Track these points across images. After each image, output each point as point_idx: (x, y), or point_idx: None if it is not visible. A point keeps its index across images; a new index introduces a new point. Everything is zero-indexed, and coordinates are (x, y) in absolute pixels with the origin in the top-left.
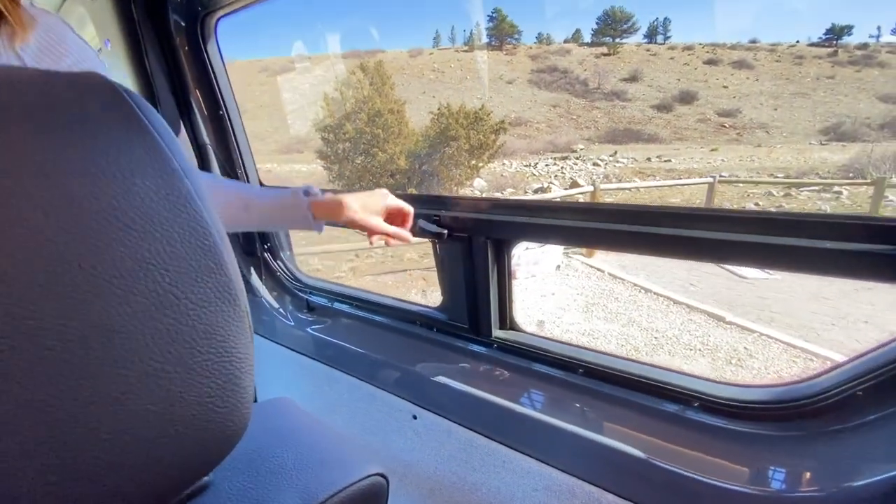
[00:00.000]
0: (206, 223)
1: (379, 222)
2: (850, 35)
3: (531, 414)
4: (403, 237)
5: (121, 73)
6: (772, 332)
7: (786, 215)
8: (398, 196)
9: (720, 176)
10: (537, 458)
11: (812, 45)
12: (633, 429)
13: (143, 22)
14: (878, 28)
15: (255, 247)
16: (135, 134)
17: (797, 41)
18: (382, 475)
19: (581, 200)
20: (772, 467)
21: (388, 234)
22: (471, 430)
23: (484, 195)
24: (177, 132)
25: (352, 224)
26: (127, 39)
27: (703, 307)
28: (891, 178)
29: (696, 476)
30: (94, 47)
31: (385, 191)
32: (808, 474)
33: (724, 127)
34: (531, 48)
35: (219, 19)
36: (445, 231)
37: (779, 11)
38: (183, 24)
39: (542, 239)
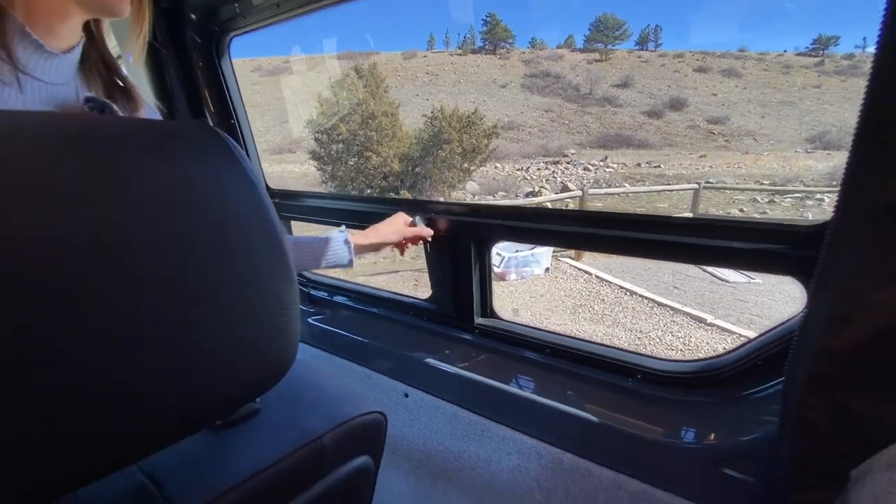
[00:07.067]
0: (272, 219)
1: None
2: (836, 46)
3: (507, 389)
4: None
5: (142, 87)
6: (750, 334)
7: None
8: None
9: (707, 182)
10: (512, 426)
11: (799, 54)
12: (588, 398)
13: (164, 39)
14: (864, 39)
15: None
16: (227, 160)
17: (784, 51)
18: (382, 413)
19: (570, 205)
20: (686, 426)
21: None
22: (455, 404)
23: (476, 198)
24: None
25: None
26: (148, 54)
27: (686, 309)
28: None
29: (634, 433)
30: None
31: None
32: (712, 434)
33: (713, 134)
34: (524, 53)
35: (232, 38)
36: (433, 231)
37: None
38: (199, 41)
39: (517, 239)
